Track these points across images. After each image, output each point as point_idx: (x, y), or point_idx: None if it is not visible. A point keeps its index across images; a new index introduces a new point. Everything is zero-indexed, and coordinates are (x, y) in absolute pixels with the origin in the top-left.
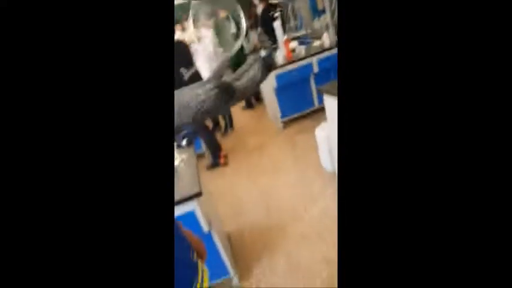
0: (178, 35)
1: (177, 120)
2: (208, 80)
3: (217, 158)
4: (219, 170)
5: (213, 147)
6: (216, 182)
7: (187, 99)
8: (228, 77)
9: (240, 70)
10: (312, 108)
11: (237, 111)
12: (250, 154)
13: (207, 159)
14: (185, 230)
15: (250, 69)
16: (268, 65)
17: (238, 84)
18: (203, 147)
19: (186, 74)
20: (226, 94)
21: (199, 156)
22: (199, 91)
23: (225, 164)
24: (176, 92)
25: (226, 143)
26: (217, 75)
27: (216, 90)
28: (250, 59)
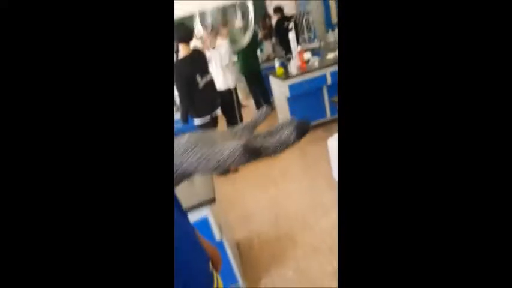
0: (195, 43)
1: (190, 169)
2: (236, 133)
3: None
4: (228, 177)
5: None
6: (225, 188)
7: (208, 153)
8: (258, 136)
9: (273, 129)
10: (324, 119)
11: (249, 119)
12: (260, 162)
13: None
14: (202, 238)
15: (284, 131)
16: (303, 130)
17: (267, 144)
18: None
19: (201, 81)
20: (251, 156)
21: None
22: (225, 148)
23: (236, 170)
24: (196, 139)
25: None
26: (248, 130)
27: (241, 150)
28: (285, 121)
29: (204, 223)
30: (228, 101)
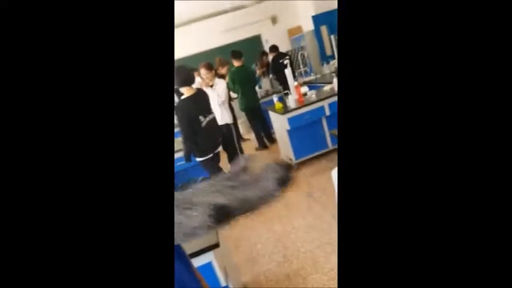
0: (197, 83)
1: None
2: (215, 187)
3: None
4: None
5: None
6: (229, 228)
7: (179, 219)
8: (237, 188)
9: (254, 178)
10: (326, 150)
11: (251, 151)
12: None
13: None
14: (198, 273)
15: (266, 182)
16: (284, 180)
17: (248, 199)
18: None
19: (204, 121)
20: (221, 218)
21: None
22: (194, 213)
23: None
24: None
25: None
26: (229, 181)
27: (210, 218)
28: (266, 170)
29: (209, 267)
30: (227, 136)
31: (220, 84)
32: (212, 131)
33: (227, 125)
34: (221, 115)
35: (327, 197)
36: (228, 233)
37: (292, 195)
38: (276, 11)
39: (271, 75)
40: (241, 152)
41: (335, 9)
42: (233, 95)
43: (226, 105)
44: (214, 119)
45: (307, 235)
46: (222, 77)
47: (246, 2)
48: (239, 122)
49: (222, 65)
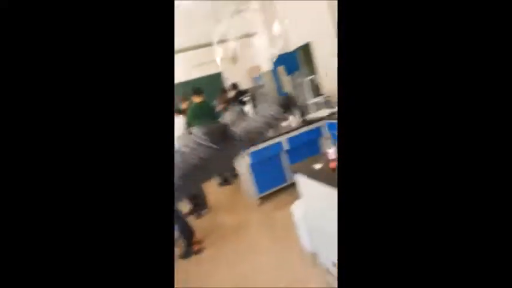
0: None
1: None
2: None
3: (190, 245)
4: (193, 258)
5: (186, 234)
6: (191, 271)
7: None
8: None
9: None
10: (286, 183)
11: (213, 187)
12: (227, 236)
13: (180, 248)
14: None
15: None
16: (288, 103)
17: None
18: (176, 234)
19: None
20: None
21: None
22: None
23: (199, 251)
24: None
25: (201, 223)
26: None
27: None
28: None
29: None
30: None
31: (177, 124)
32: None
33: None
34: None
35: (289, 233)
36: (187, 280)
37: (255, 233)
38: (236, 52)
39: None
40: (203, 191)
41: (290, 52)
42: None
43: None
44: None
45: (272, 275)
46: (183, 112)
47: (207, 42)
48: None
49: (184, 100)
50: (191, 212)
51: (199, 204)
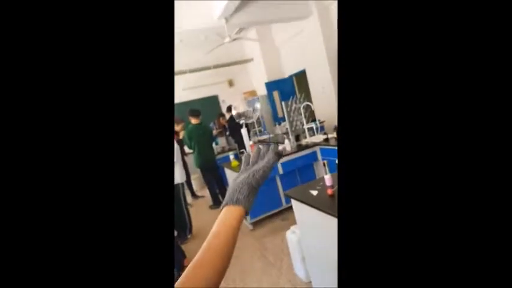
0: None
1: None
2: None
3: (181, 270)
4: None
5: (178, 257)
6: None
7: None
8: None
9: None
10: (280, 208)
11: (204, 210)
12: None
13: None
14: None
15: (265, 157)
16: (279, 153)
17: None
18: None
19: None
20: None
21: None
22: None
23: None
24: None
25: (191, 247)
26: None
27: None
28: (259, 147)
29: None
30: (175, 197)
31: None
32: None
33: (176, 185)
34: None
35: (282, 259)
36: None
37: (247, 259)
38: (232, 76)
39: (228, 134)
40: (188, 215)
41: (283, 78)
42: (189, 150)
43: (179, 163)
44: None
45: None
46: (176, 134)
47: (205, 66)
48: (193, 177)
49: (177, 122)
50: (181, 235)
51: (183, 227)
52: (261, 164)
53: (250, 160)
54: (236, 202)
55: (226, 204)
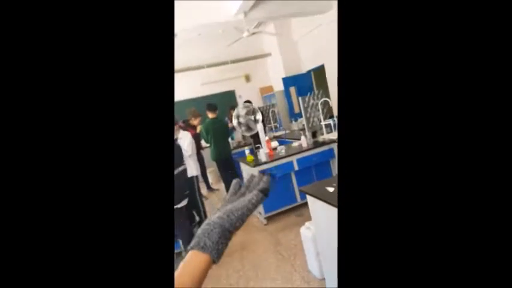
0: None
1: None
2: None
3: None
4: None
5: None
6: None
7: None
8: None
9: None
10: (294, 204)
11: (219, 202)
12: (232, 256)
13: None
14: None
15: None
16: (265, 190)
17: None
18: (181, 246)
19: (175, 171)
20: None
21: (177, 255)
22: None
23: None
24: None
25: None
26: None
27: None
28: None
29: None
30: (190, 188)
31: (185, 139)
32: (180, 182)
33: (191, 177)
34: (188, 168)
35: (295, 255)
36: None
37: (260, 254)
38: (249, 71)
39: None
40: (203, 206)
41: (301, 74)
42: (205, 144)
43: (194, 157)
44: (185, 170)
45: None
46: (194, 127)
47: (223, 61)
48: (209, 171)
49: (195, 116)
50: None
51: (200, 216)
52: (243, 201)
53: (239, 191)
54: (202, 248)
55: (192, 248)
